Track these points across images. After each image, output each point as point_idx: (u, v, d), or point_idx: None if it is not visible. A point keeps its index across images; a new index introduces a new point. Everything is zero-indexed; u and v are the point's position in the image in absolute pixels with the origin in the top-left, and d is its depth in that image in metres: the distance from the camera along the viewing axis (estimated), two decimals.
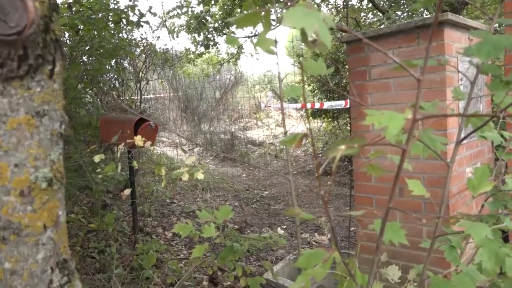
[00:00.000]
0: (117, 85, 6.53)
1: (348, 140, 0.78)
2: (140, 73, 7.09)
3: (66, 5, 4.36)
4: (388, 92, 2.77)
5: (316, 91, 9.88)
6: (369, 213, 2.95)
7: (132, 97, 7.00)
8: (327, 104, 5.83)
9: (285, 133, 1.40)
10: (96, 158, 2.18)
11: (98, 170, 3.37)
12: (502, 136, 1.69)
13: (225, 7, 7.63)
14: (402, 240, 0.92)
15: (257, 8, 0.90)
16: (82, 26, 4.31)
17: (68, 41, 4.75)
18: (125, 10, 4.44)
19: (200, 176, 2.13)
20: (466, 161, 2.82)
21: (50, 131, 0.76)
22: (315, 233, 4.99)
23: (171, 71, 10.13)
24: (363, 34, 2.82)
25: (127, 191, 2.38)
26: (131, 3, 4.63)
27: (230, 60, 9.49)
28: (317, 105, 6.11)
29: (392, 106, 2.75)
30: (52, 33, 0.72)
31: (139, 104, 7.09)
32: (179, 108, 11.39)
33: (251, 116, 14.62)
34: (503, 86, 0.99)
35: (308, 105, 6.08)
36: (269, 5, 1.06)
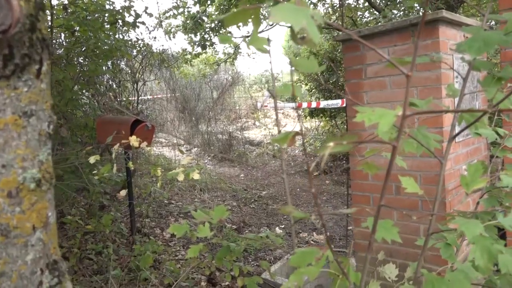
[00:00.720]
0: (114, 86, 6.52)
1: (337, 137, 0.78)
2: (137, 74, 7.08)
3: (61, 6, 4.35)
4: (384, 90, 2.77)
5: (313, 90, 9.89)
6: (365, 212, 2.95)
7: (129, 98, 7.00)
8: (323, 103, 5.83)
9: (279, 132, 1.40)
10: (92, 159, 2.17)
11: (95, 171, 3.36)
12: (497, 133, 1.69)
13: (221, 7, 7.63)
14: (395, 238, 0.92)
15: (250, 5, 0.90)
16: (78, 28, 4.30)
17: (64, 42, 4.74)
18: (121, 11, 4.43)
19: (196, 176, 2.12)
20: (462, 158, 2.82)
21: (38, 131, 0.76)
22: (313, 232, 4.99)
23: (168, 72, 10.12)
24: (358, 33, 2.82)
25: (123, 192, 2.37)
26: (126, 4, 4.62)
27: (227, 60, 9.48)
28: (314, 104, 6.11)
29: (388, 104, 2.75)
30: (38, 32, 0.72)
31: (136, 105, 7.08)
32: (177, 109, 11.37)
33: (249, 116, 14.62)
34: (495, 82, 0.99)
35: (305, 104, 6.07)
36: (263, 4, 1.05)
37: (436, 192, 1.03)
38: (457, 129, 2.44)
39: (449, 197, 2.61)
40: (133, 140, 2.04)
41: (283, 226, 5.20)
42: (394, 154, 0.75)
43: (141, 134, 3.83)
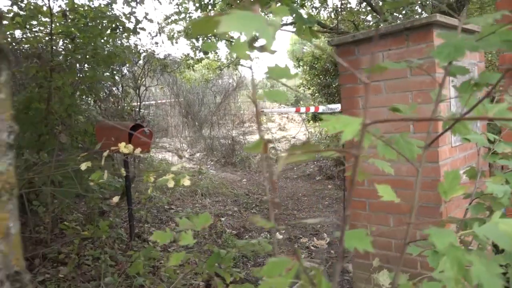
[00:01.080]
0: (116, 92, 6.56)
1: (297, 147, 0.77)
2: (139, 80, 7.12)
3: (61, 13, 4.38)
4: (379, 95, 2.74)
5: (316, 94, 9.88)
6: (362, 217, 2.92)
7: (132, 104, 7.03)
8: (322, 108, 5.80)
9: (261, 138, 1.38)
10: (83, 166, 2.17)
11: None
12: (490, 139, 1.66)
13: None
14: (367, 248, 0.90)
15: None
16: (77, 34, 4.32)
17: (64, 49, 4.77)
18: (122, 17, 4.45)
19: (186, 182, 2.12)
20: (460, 163, 2.78)
21: None
22: (314, 238, 4.95)
23: (171, 77, 10.15)
24: (352, 37, 2.80)
25: (116, 198, 2.37)
26: (123, 10, 4.65)
27: (230, 65, 9.50)
28: (312, 109, 6.09)
29: (383, 109, 2.72)
30: None
31: (138, 110, 7.11)
32: (181, 114, 11.40)
33: (253, 120, 14.61)
34: (472, 88, 0.97)
35: (303, 109, 6.06)
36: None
37: (413, 200, 1.01)
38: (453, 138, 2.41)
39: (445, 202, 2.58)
40: (123, 147, 2.03)
41: (283, 231, 5.17)
42: (356, 163, 0.74)
43: (139, 139, 3.84)
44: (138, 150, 2.41)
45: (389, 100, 2.69)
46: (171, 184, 2.04)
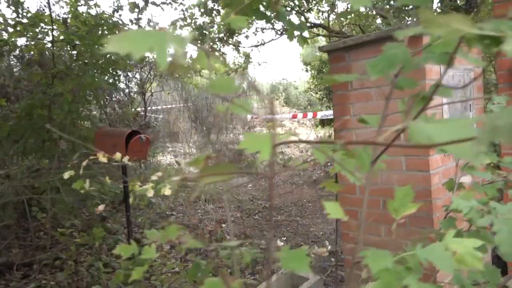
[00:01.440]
0: (122, 97, 6.61)
1: (212, 167, 0.74)
2: (145, 85, 7.16)
3: (62, 21, 4.44)
4: (369, 102, 2.69)
5: (324, 98, 9.81)
6: (354, 226, 2.86)
7: (137, 109, 7.07)
8: (320, 114, 5.74)
9: (225, 143, 1.36)
10: (66, 175, 2.17)
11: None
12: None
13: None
14: (304, 269, 0.86)
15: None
16: (77, 42, 4.37)
17: (66, 55, 4.82)
18: (119, 24, 4.49)
19: (167, 191, 2.10)
20: (453, 172, 2.70)
21: None
22: (315, 245, 4.89)
23: (179, 83, 10.20)
24: (343, 43, 2.75)
25: (101, 207, 2.36)
26: (121, 16, 4.68)
27: (237, 70, 9.51)
28: (310, 115, 6.04)
29: (373, 116, 2.66)
30: None
31: (144, 115, 7.16)
32: (190, 119, 11.44)
33: (264, 125, 14.58)
34: (420, 101, 0.93)
35: (300, 115, 6.01)
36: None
37: (359, 218, 0.97)
38: None
39: (437, 212, 2.51)
40: (101, 157, 2.03)
41: (285, 239, 5.13)
42: (271, 184, 0.71)
43: (136, 146, 3.85)
44: (126, 158, 2.41)
45: (379, 107, 2.64)
46: (150, 193, 2.02)
